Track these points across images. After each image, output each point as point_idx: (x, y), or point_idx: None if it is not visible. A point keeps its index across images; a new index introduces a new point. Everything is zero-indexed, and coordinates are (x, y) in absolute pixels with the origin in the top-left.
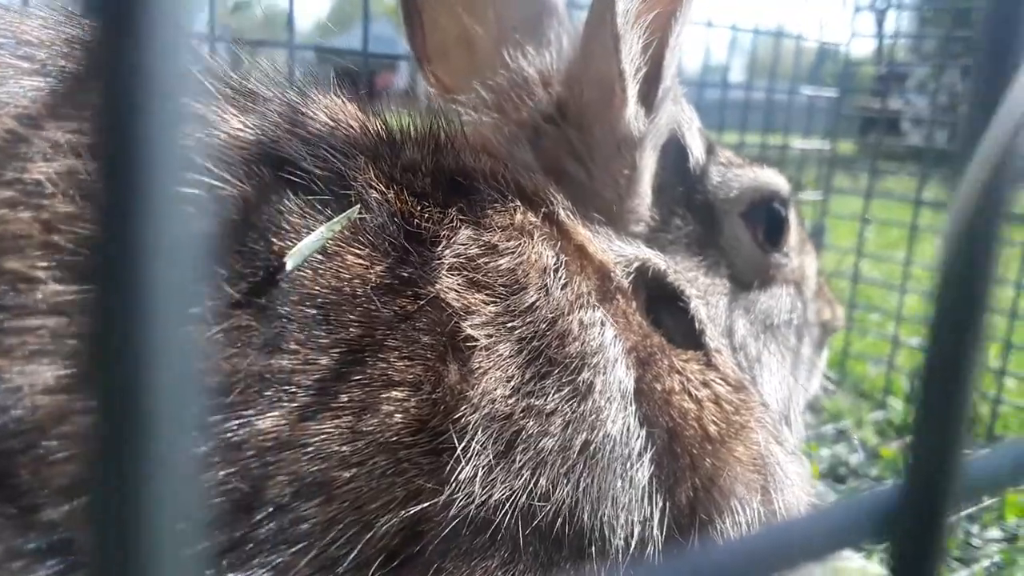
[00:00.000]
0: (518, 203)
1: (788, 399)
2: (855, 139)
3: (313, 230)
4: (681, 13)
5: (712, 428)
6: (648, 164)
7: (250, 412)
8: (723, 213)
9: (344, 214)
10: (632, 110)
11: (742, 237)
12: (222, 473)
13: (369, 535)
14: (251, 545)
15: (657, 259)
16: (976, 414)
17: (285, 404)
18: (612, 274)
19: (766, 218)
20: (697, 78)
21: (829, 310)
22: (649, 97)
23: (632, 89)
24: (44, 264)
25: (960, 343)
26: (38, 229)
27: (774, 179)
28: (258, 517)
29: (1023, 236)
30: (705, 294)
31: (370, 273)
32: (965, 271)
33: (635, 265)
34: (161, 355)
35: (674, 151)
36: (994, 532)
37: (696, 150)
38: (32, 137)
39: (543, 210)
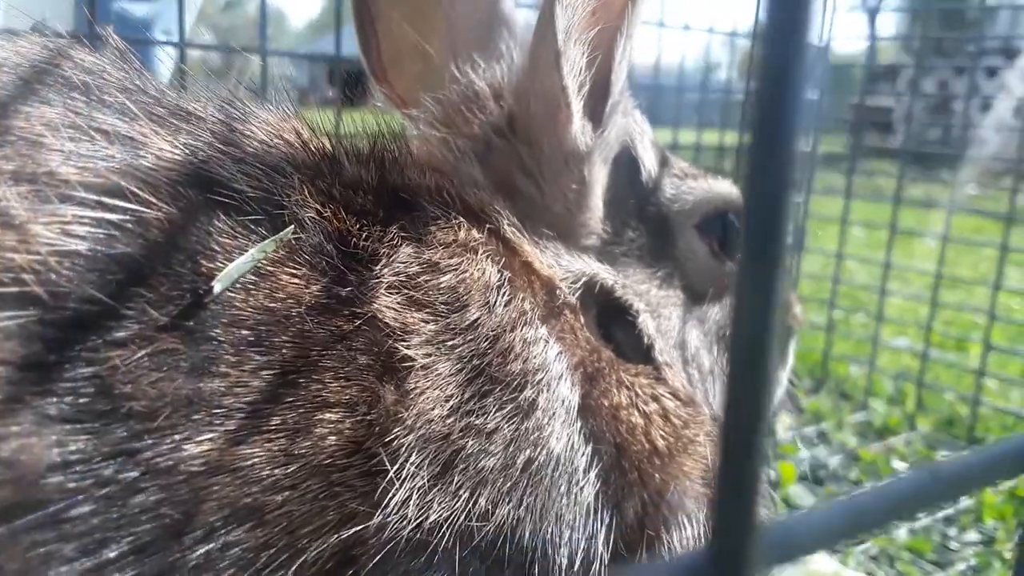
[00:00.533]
0: (462, 220)
1: None
2: (845, 138)
3: (245, 251)
4: (627, 29)
5: (660, 443)
6: (598, 178)
7: (179, 437)
8: (677, 225)
9: (277, 235)
10: (578, 125)
11: (697, 249)
12: (152, 499)
13: (302, 559)
14: (183, 570)
15: (605, 273)
16: (956, 416)
17: (216, 428)
18: (558, 290)
19: (721, 228)
20: (676, 77)
21: (792, 312)
22: (597, 111)
23: (577, 104)
24: None
25: (754, 389)
26: None
27: (728, 190)
28: (188, 543)
29: (1000, 236)
30: (657, 307)
31: (305, 293)
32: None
33: (583, 280)
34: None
35: (626, 164)
36: (971, 535)
37: (648, 163)
38: None
39: (488, 226)
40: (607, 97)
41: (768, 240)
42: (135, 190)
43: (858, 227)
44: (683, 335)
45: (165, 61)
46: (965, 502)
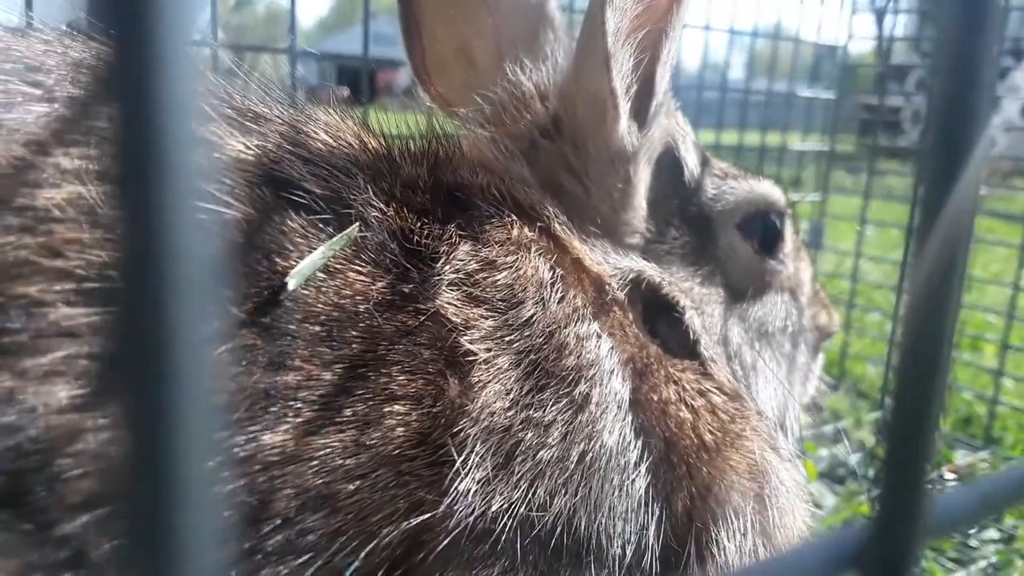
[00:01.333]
0: (515, 218)
1: (783, 406)
2: (855, 137)
3: (315, 249)
4: (672, 30)
5: (708, 437)
6: (642, 178)
7: (256, 428)
8: (719, 224)
9: (344, 232)
10: (624, 126)
11: (738, 247)
12: (230, 487)
13: (372, 545)
14: (259, 556)
15: (652, 271)
16: (974, 415)
17: (290, 419)
18: (607, 286)
19: (761, 228)
20: (696, 77)
21: (825, 315)
22: (642, 113)
23: (624, 106)
24: (55, 288)
25: (924, 386)
26: (47, 255)
27: (769, 191)
28: (266, 530)
29: (1020, 237)
30: (700, 304)
31: (372, 290)
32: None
33: (630, 277)
34: (180, 374)
35: (669, 164)
36: (991, 533)
37: (691, 163)
38: (39, 164)
39: (539, 224)
40: (652, 98)
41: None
42: (214, 191)
43: (870, 226)
44: (725, 331)
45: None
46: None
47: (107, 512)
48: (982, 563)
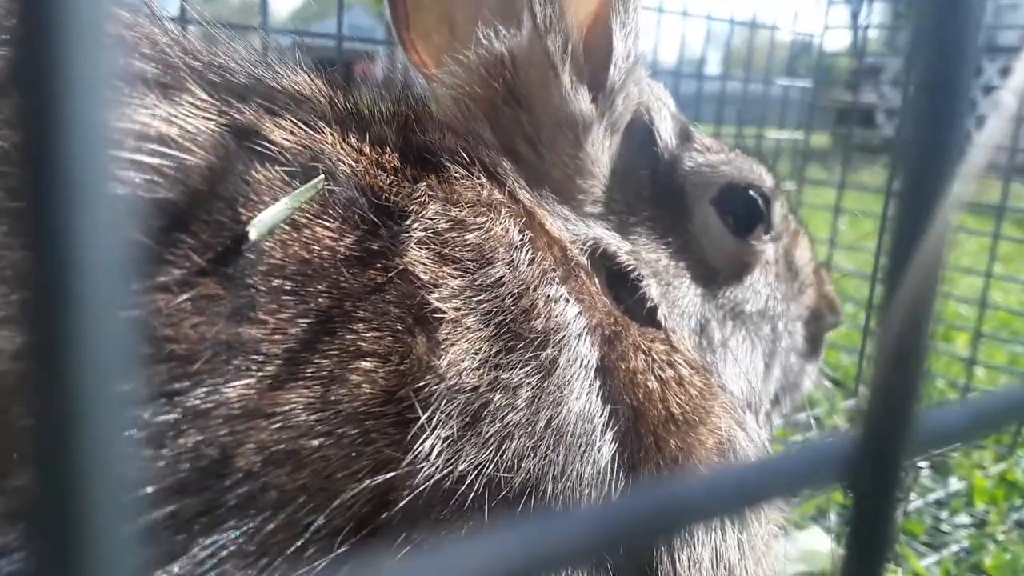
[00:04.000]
0: (484, 179)
1: (756, 387)
2: (830, 131)
3: (279, 200)
4: None
5: (676, 410)
6: (602, 146)
7: (218, 380)
8: (693, 199)
9: (309, 184)
10: (567, 91)
11: (712, 223)
12: (191, 441)
13: (337, 503)
14: (222, 510)
15: (610, 238)
16: (946, 402)
17: (253, 373)
18: (570, 252)
19: (741, 206)
20: (673, 70)
21: (827, 305)
22: (599, 79)
23: (565, 70)
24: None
25: (919, 298)
26: (2, 199)
27: (750, 167)
28: (228, 483)
29: (991, 227)
30: (665, 275)
31: (340, 245)
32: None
33: (588, 244)
34: (96, 331)
35: (642, 133)
36: (963, 518)
37: (664, 133)
38: None
39: (507, 187)
40: (608, 64)
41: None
42: (176, 137)
43: (843, 217)
44: (692, 306)
45: None
46: (955, 486)
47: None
48: (954, 547)
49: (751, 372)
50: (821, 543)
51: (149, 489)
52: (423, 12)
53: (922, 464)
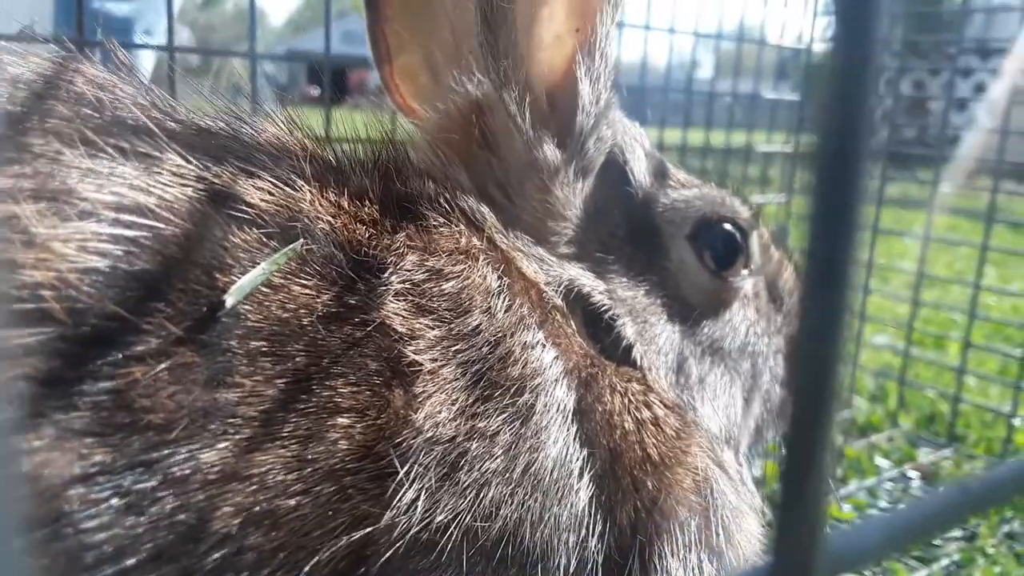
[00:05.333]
0: (463, 227)
1: (735, 423)
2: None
3: (258, 264)
4: (593, 42)
5: (653, 451)
6: (572, 189)
7: (195, 446)
8: (668, 236)
9: (288, 247)
10: (529, 139)
11: (687, 260)
12: (168, 507)
13: (315, 560)
14: (198, 574)
15: (583, 279)
16: (937, 413)
17: (230, 436)
18: (546, 295)
19: (718, 241)
20: (662, 77)
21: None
22: (568, 124)
23: (523, 118)
24: None
25: (818, 414)
26: None
27: (723, 200)
28: (203, 548)
29: (982, 231)
30: (641, 314)
31: (317, 303)
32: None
33: (563, 285)
34: None
35: (615, 173)
36: (954, 531)
37: (638, 173)
38: None
39: (485, 233)
40: (575, 111)
41: (834, 265)
42: (152, 207)
43: None
44: (669, 343)
45: (147, 60)
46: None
47: (44, 535)
48: (944, 561)
49: (730, 408)
50: None
51: (130, 561)
52: (406, 54)
53: (912, 475)
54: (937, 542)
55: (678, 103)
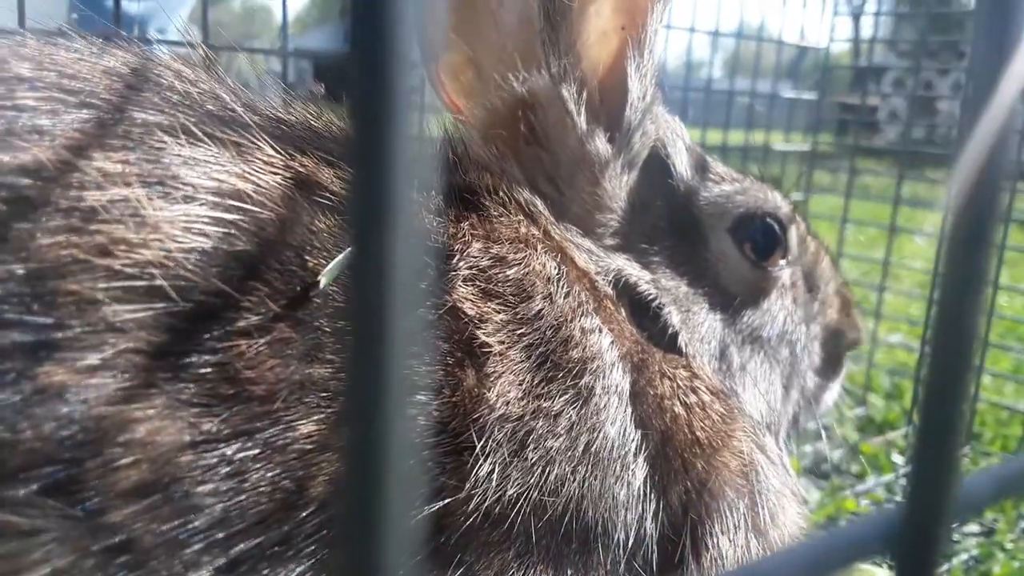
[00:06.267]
0: (521, 217)
1: (775, 409)
2: (832, 136)
3: (341, 249)
4: (641, 37)
5: (701, 434)
6: (619, 182)
7: (292, 417)
8: (709, 228)
9: None
10: (582, 132)
11: (728, 251)
12: (270, 474)
13: None
14: (299, 538)
15: (631, 269)
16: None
17: (323, 409)
18: (598, 283)
19: (758, 233)
20: (680, 76)
21: (849, 325)
22: (615, 118)
23: (579, 112)
24: (102, 286)
25: (956, 370)
26: (95, 254)
27: (766, 195)
28: (303, 514)
29: (999, 236)
30: (684, 302)
31: None
32: (960, 296)
33: (612, 275)
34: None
35: (658, 167)
36: (972, 527)
37: (680, 166)
38: (83, 167)
39: (541, 224)
40: (624, 105)
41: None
42: (249, 192)
43: (847, 225)
44: (712, 332)
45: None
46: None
47: (157, 500)
48: (963, 556)
49: (770, 395)
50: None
51: (238, 525)
52: (450, 51)
53: None
54: (956, 537)
55: (696, 103)
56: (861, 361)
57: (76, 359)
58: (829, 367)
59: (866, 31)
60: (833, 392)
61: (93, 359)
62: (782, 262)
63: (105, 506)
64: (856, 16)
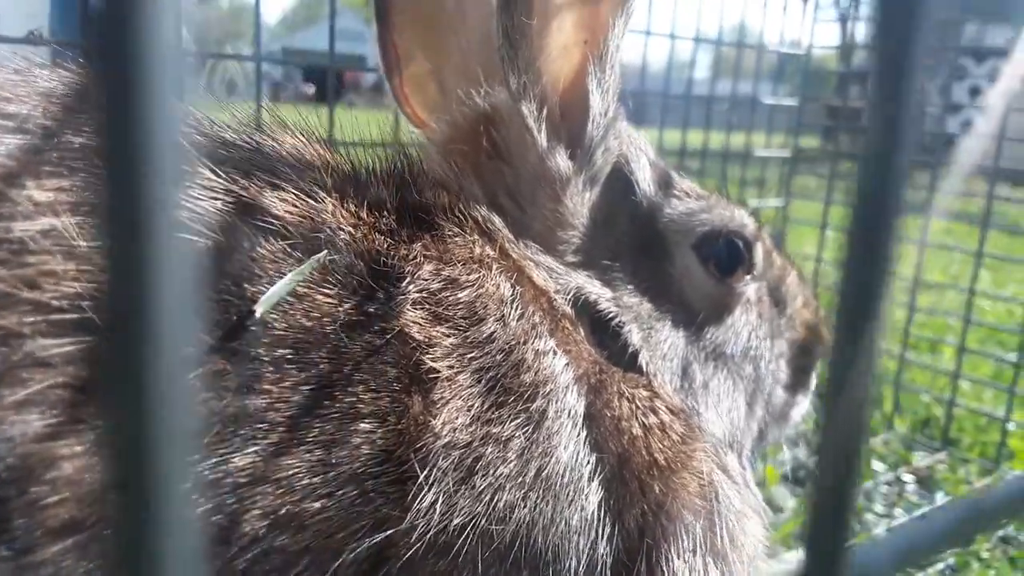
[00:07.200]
0: (476, 237)
1: (738, 427)
2: (818, 139)
3: (284, 275)
4: (604, 55)
5: (659, 456)
6: (581, 199)
7: (226, 450)
8: (674, 244)
9: (312, 259)
10: (542, 149)
11: (692, 268)
12: (200, 510)
13: (338, 562)
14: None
15: (590, 286)
16: (932, 417)
17: (259, 441)
18: (556, 302)
19: (722, 250)
20: (662, 79)
21: (819, 340)
22: (577, 135)
23: (539, 129)
24: (29, 320)
25: (847, 443)
26: (22, 287)
27: (731, 213)
28: (234, 550)
29: (976, 240)
30: (647, 320)
31: (339, 311)
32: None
33: (572, 293)
34: (163, 399)
35: (621, 183)
36: None
37: (643, 183)
38: (13, 196)
39: (498, 243)
40: (586, 123)
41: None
42: (184, 220)
43: (831, 229)
44: (674, 349)
45: None
46: (941, 501)
47: (84, 537)
48: (940, 565)
49: (733, 412)
50: None
51: None
52: (414, 64)
53: (907, 478)
54: None
55: (677, 105)
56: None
57: (1, 395)
58: (797, 382)
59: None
60: (802, 407)
61: (18, 395)
62: (747, 278)
63: (32, 544)
64: (843, 20)
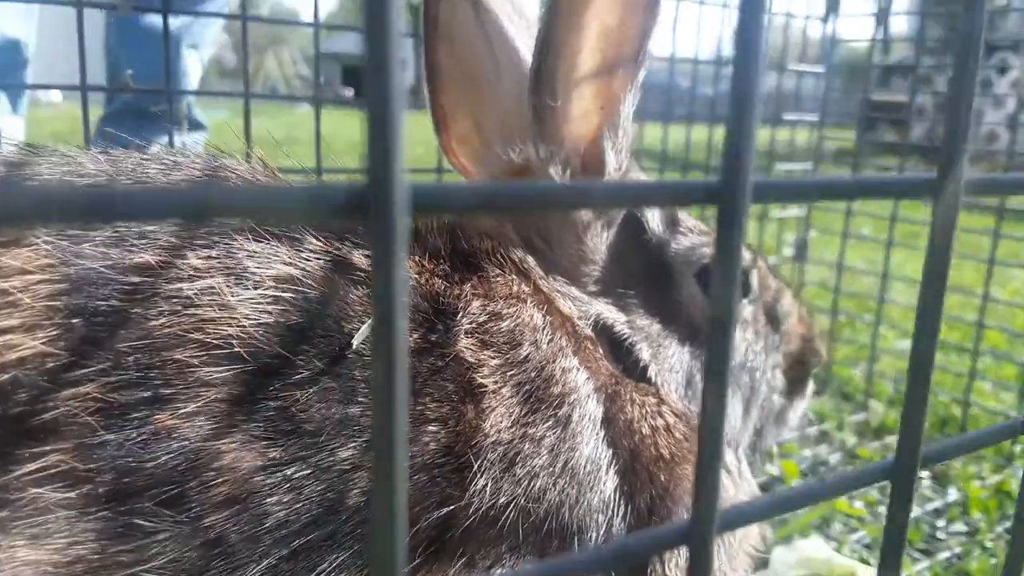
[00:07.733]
0: (514, 276)
1: (735, 427)
2: (860, 133)
3: (370, 315)
4: (616, 122)
5: (665, 451)
6: (601, 239)
7: (334, 445)
8: (679, 275)
9: None
10: None
11: (696, 295)
12: (319, 488)
13: (415, 529)
14: (340, 535)
15: (608, 312)
16: (950, 416)
17: (357, 439)
18: (578, 327)
19: None
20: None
21: (811, 351)
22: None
23: (560, 178)
24: (197, 354)
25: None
26: (191, 329)
27: None
28: (343, 517)
29: (989, 240)
30: (656, 339)
31: (411, 340)
32: None
33: (592, 318)
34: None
35: (634, 223)
36: (958, 526)
37: (652, 222)
38: (179, 264)
39: (532, 280)
40: (603, 175)
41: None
42: (299, 277)
43: (867, 220)
44: (680, 363)
45: (194, 72)
46: (953, 496)
47: (239, 508)
48: (946, 553)
49: (731, 415)
50: (820, 550)
51: (296, 525)
52: (458, 120)
53: (924, 474)
54: (941, 536)
55: (682, 95)
56: (864, 369)
57: (179, 408)
58: (793, 390)
59: (898, 28)
60: (798, 411)
61: (192, 407)
62: (744, 301)
63: (203, 514)
64: (882, 15)
